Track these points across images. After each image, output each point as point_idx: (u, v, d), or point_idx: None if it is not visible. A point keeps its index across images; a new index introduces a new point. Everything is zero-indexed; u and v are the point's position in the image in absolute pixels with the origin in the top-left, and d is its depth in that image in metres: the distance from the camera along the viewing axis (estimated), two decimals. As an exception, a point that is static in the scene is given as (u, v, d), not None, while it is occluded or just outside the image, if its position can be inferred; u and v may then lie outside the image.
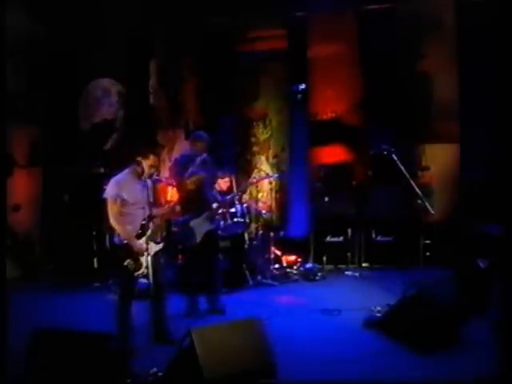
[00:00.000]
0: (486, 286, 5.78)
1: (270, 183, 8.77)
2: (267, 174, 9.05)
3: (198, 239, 6.16)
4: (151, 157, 5.09)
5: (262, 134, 9.71)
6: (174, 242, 6.80)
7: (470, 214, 8.03)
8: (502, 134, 7.98)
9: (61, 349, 4.06)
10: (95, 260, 8.36)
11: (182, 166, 6.22)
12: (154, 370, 4.35)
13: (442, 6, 8.70)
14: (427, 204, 6.09)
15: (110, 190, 5.00)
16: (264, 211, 8.61)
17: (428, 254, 7.63)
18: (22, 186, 8.71)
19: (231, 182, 7.83)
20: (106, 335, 4.11)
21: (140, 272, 5.00)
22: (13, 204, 8.21)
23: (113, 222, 4.96)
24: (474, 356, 4.63)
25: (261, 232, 8.32)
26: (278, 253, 8.47)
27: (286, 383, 4.26)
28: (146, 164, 5.05)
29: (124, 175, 5.12)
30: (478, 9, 8.15)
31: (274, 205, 8.76)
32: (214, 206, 6.38)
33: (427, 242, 7.82)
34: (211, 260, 6.37)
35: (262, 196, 9.31)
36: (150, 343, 5.10)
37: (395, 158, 6.20)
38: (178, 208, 5.61)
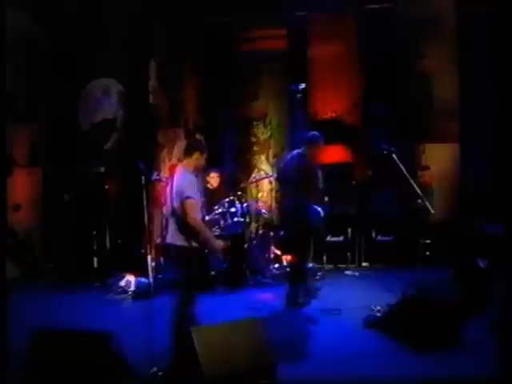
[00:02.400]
0: (486, 285, 5.78)
1: (270, 183, 8.75)
2: (267, 174, 9.05)
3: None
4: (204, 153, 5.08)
5: (261, 133, 9.71)
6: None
7: (470, 213, 8.03)
8: (502, 133, 8.02)
9: (61, 349, 4.06)
10: (95, 260, 8.37)
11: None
12: (154, 369, 4.35)
13: (442, 6, 8.70)
14: (427, 203, 6.09)
15: (193, 191, 4.82)
16: (264, 211, 8.60)
17: (428, 253, 7.62)
18: (21, 186, 8.70)
19: (220, 178, 7.90)
20: (106, 335, 4.11)
21: None
22: (13, 204, 8.20)
23: (197, 223, 4.79)
24: (474, 356, 4.63)
25: (261, 232, 8.31)
26: (278, 252, 8.46)
27: (286, 383, 4.26)
28: (202, 158, 5.02)
29: (191, 175, 4.95)
30: (478, 9, 8.16)
31: (273, 205, 8.74)
32: None
33: (427, 241, 7.81)
34: None
35: (261, 196, 9.29)
36: (150, 343, 5.09)
37: (395, 157, 6.20)
38: None
